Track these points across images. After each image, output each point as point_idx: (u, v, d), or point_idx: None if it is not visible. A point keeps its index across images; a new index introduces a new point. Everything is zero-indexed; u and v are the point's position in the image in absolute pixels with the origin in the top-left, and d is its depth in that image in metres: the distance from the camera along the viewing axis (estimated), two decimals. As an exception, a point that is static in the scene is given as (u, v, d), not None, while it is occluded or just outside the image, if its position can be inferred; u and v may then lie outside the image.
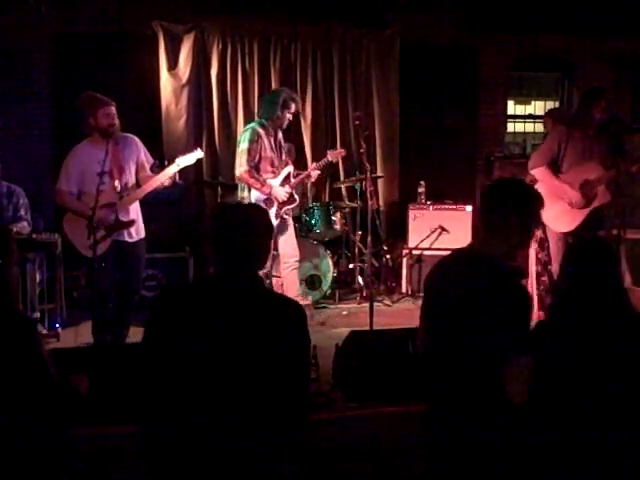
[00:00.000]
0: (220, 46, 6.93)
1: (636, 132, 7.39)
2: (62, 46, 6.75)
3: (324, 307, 6.14)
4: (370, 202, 5.33)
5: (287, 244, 5.53)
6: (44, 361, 2.26)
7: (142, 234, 4.65)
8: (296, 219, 6.55)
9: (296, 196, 5.52)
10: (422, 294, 2.52)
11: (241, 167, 5.24)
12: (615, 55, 7.81)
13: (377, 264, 6.64)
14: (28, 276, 5.02)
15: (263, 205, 5.27)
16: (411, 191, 7.00)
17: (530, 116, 8.59)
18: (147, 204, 4.76)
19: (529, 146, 8.12)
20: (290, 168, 5.51)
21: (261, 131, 5.27)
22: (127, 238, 4.51)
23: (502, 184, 2.53)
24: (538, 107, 8.66)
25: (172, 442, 2.03)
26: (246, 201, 5.34)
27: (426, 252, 6.54)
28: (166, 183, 4.49)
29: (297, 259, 5.57)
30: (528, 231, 2.38)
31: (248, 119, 7.04)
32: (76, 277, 6.09)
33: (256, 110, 6.95)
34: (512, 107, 8.45)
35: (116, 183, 4.39)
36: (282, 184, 5.39)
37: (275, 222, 5.30)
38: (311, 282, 6.08)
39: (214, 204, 6.38)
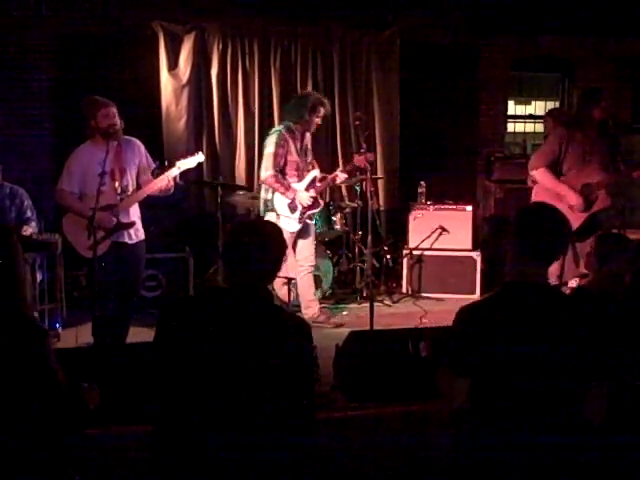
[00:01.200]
0: (220, 46, 6.92)
1: (636, 132, 7.39)
2: (62, 46, 6.75)
3: (324, 307, 6.13)
4: (370, 202, 5.32)
5: (305, 248, 5.51)
6: (54, 372, 2.23)
7: (141, 236, 4.64)
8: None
9: (320, 201, 5.46)
10: (453, 343, 2.19)
11: (267, 171, 5.19)
12: (615, 55, 7.81)
13: (377, 264, 6.63)
14: (28, 275, 5.02)
15: (287, 209, 5.29)
16: (411, 191, 7.00)
17: (530, 116, 8.59)
18: (147, 204, 4.75)
19: (529, 146, 8.12)
20: (316, 172, 5.46)
21: (287, 135, 5.22)
22: (127, 239, 4.50)
23: (544, 210, 2.32)
24: (538, 107, 8.67)
25: (178, 449, 2.04)
26: (269, 203, 5.35)
27: (427, 252, 6.54)
28: (164, 188, 4.47)
29: (313, 264, 5.58)
30: None
31: (248, 119, 7.05)
32: (76, 277, 6.09)
33: (256, 110, 7.00)
34: (512, 107, 8.45)
35: (116, 184, 4.39)
36: (307, 188, 5.34)
37: (298, 226, 5.32)
38: (311, 282, 6.08)
39: (214, 204, 6.35)
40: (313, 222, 5.59)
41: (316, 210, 5.48)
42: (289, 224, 5.27)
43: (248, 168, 7.15)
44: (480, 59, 7.69)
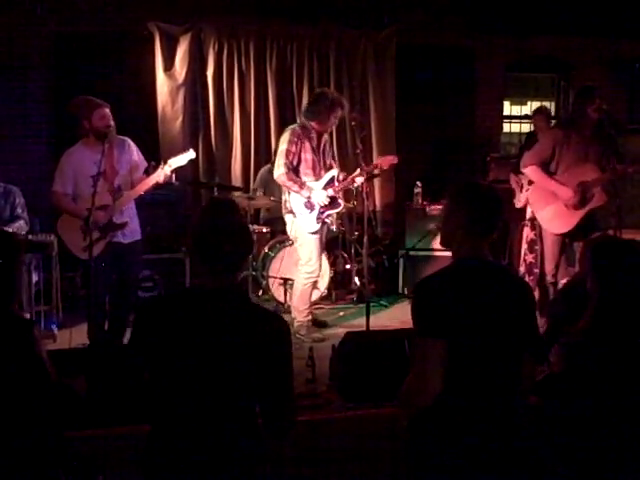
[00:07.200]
0: (216, 47, 6.93)
1: (632, 133, 7.40)
2: (59, 47, 6.74)
3: (321, 308, 6.14)
4: (366, 202, 5.30)
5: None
6: (42, 361, 2.25)
7: (137, 236, 4.64)
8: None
9: (340, 201, 5.29)
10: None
11: (279, 169, 5.03)
12: (611, 56, 7.84)
13: (373, 265, 6.63)
14: (24, 277, 5.01)
15: (304, 207, 5.09)
16: (407, 192, 7.00)
17: (526, 116, 8.60)
18: (144, 205, 4.75)
19: (525, 147, 8.13)
20: (334, 172, 5.27)
21: (302, 132, 5.07)
22: (121, 239, 4.50)
23: (480, 187, 2.37)
24: (534, 107, 8.67)
25: (164, 446, 2.05)
26: (287, 205, 5.16)
27: (422, 253, 6.54)
28: (156, 186, 4.47)
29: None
30: None
31: (244, 120, 7.06)
32: (72, 278, 6.08)
33: (252, 111, 6.98)
34: (508, 107, 8.47)
35: (109, 184, 4.39)
36: (325, 188, 5.14)
37: (317, 226, 5.11)
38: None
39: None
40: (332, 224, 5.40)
41: (336, 210, 5.30)
42: (307, 223, 5.10)
43: (244, 169, 7.15)
44: (476, 60, 7.71)
